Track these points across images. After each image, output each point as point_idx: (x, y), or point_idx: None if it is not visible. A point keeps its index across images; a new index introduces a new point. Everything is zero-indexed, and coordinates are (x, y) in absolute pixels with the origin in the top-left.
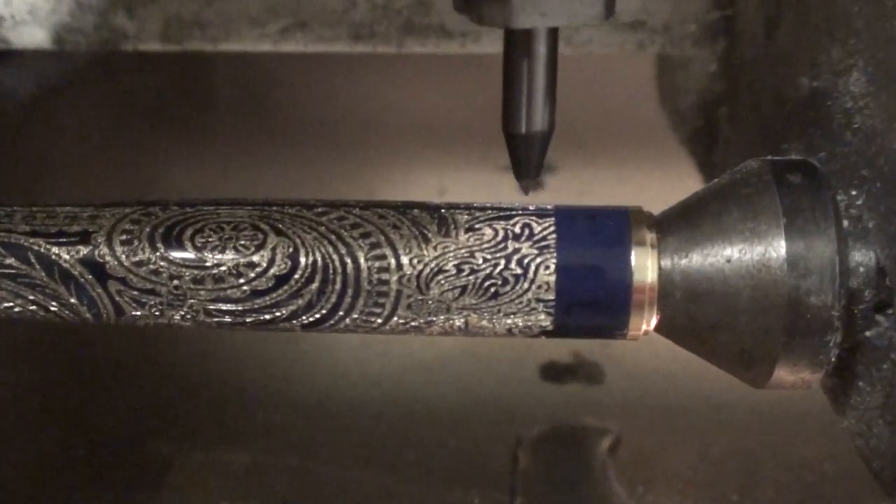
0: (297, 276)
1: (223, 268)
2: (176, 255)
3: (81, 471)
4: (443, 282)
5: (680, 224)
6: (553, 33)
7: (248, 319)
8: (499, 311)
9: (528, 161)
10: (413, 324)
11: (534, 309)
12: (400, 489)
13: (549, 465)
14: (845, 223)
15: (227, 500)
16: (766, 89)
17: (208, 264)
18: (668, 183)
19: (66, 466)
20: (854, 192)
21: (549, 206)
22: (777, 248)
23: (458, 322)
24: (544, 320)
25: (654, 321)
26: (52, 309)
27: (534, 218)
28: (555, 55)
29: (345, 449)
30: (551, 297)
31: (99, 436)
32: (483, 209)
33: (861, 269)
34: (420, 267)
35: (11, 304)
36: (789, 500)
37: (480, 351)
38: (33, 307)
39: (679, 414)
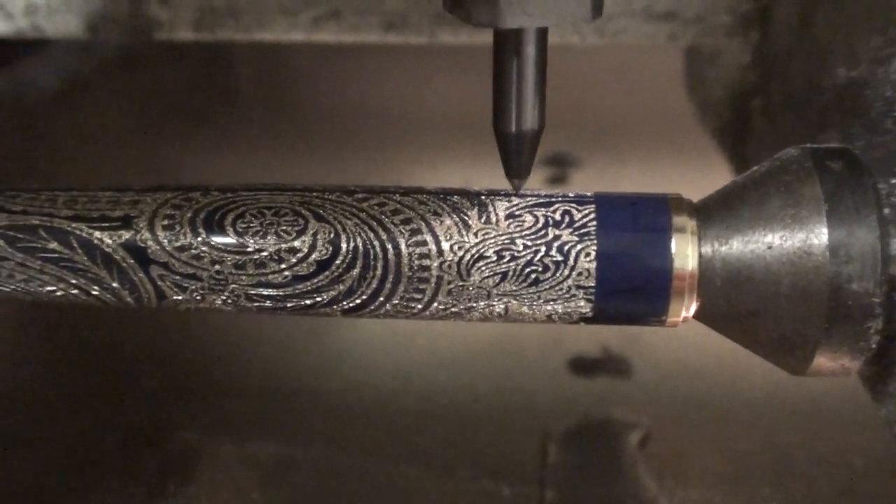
0: (338, 262)
1: (264, 253)
2: (217, 239)
3: (112, 461)
4: (483, 268)
5: (720, 211)
6: (542, 33)
7: (288, 304)
8: (539, 297)
9: (518, 159)
10: (453, 310)
11: (574, 296)
12: (429, 481)
13: (578, 459)
14: (886, 211)
15: (256, 492)
16: (800, 80)
17: (250, 249)
18: (699, 175)
19: (96, 457)
20: (894, 181)
21: (588, 194)
22: (819, 235)
23: (499, 308)
24: (584, 307)
25: (693, 308)
26: (94, 293)
27: (574, 205)
28: (544, 55)
29: (373, 441)
30: (591, 283)
31: (129, 426)
32: (523, 196)
33: None
34: (461, 253)
35: (54, 287)
36: (820, 494)
37: (509, 345)
38: (75, 291)
39: (708, 408)
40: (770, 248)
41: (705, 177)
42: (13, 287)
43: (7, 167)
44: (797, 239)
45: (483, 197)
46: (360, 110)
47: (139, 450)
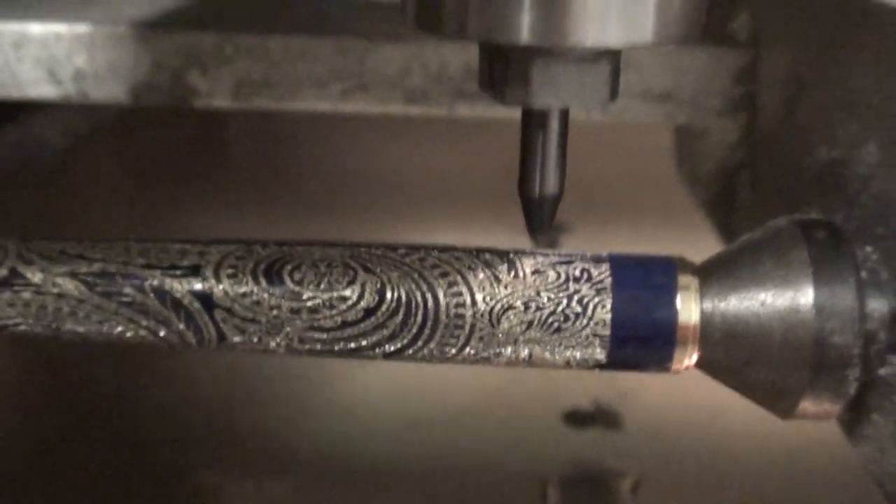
0: (383, 309)
1: (318, 300)
2: (276, 288)
3: (135, 501)
4: (512, 317)
5: (719, 272)
6: (565, 112)
7: (336, 347)
8: (560, 344)
9: (540, 220)
10: (483, 354)
11: (591, 343)
12: None
13: (576, 502)
14: (863, 274)
15: None
16: (785, 158)
17: (304, 297)
18: (686, 244)
19: (120, 496)
20: (869, 248)
21: (604, 254)
22: (806, 294)
23: (524, 354)
24: (599, 353)
25: (695, 357)
26: (161, 335)
27: (591, 263)
28: (566, 130)
29: (383, 483)
30: (607, 332)
31: (152, 466)
32: (546, 255)
33: (876, 314)
34: (492, 303)
35: (124, 328)
36: None
37: (509, 399)
38: (143, 332)
39: (697, 459)
40: (763, 304)
41: (692, 246)
42: (87, 328)
43: (13, 222)
44: (787, 297)
45: (511, 255)
46: (370, 177)
47: (163, 489)
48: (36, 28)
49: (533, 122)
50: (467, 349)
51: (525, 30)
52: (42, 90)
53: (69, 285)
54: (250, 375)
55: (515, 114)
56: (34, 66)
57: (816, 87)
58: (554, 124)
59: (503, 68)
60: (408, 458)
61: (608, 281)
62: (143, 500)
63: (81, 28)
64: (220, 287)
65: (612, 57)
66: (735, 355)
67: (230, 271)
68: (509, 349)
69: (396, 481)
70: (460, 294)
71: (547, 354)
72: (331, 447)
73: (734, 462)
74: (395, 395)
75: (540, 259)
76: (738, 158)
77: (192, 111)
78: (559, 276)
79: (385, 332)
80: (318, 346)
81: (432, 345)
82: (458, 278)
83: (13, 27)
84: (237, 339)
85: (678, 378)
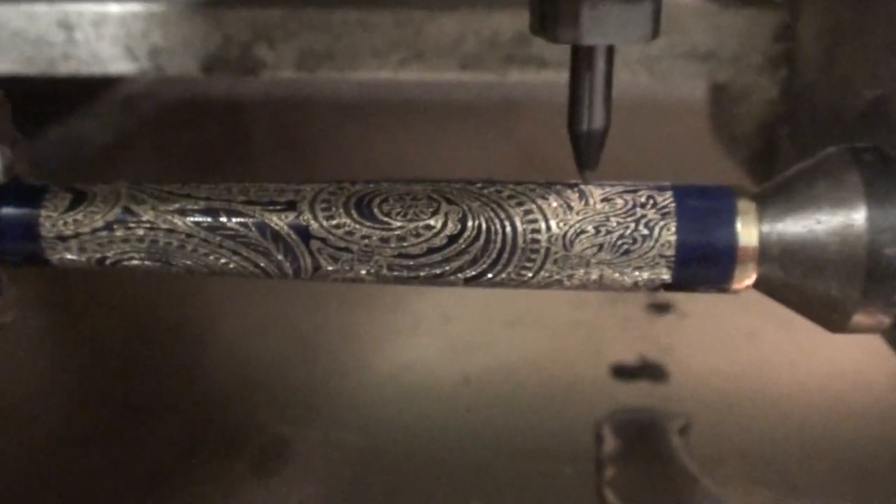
0: (465, 236)
1: (405, 229)
2: (366, 219)
3: (210, 455)
4: (584, 240)
5: (776, 196)
6: (611, 50)
7: (421, 273)
8: (629, 265)
9: (588, 154)
10: (557, 277)
11: (657, 264)
12: (498, 464)
13: (630, 443)
14: None
15: (347, 481)
16: (826, 107)
17: (393, 226)
18: None
19: (195, 449)
20: None
21: (667, 183)
22: (859, 211)
23: (594, 275)
24: (665, 273)
25: (755, 276)
26: (261, 265)
27: (656, 191)
28: (611, 68)
29: (445, 434)
30: (672, 253)
31: (223, 421)
32: (613, 185)
33: None
34: (565, 228)
35: (227, 260)
36: (845, 475)
37: (558, 355)
38: (245, 263)
39: (741, 406)
40: (818, 222)
41: None
42: (194, 261)
43: None
44: (841, 214)
45: (582, 186)
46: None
47: (235, 442)
48: (114, 8)
49: (581, 60)
50: (542, 272)
51: None
52: (120, 66)
53: (177, 221)
54: (310, 338)
55: (560, 77)
56: (113, 44)
57: (857, 34)
58: (601, 62)
59: (554, 9)
60: (464, 409)
61: (672, 206)
62: (219, 454)
63: (156, 7)
64: (316, 219)
65: None
66: (792, 271)
67: (324, 205)
68: (581, 271)
69: (458, 428)
70: (535, 221)
71: (616, 275)
72: (391, 402)
73: (777, 408)
74: (449, 354)
75: (608, 188)
76: (778, 113)
77: (225, 110)
78: (626, 202)
79: (467, 258)
80: (405, 273)
81: (511, 268)
82: (534, 206)
83: (93, 7)
84: (331, 267)
85: (719, 333)
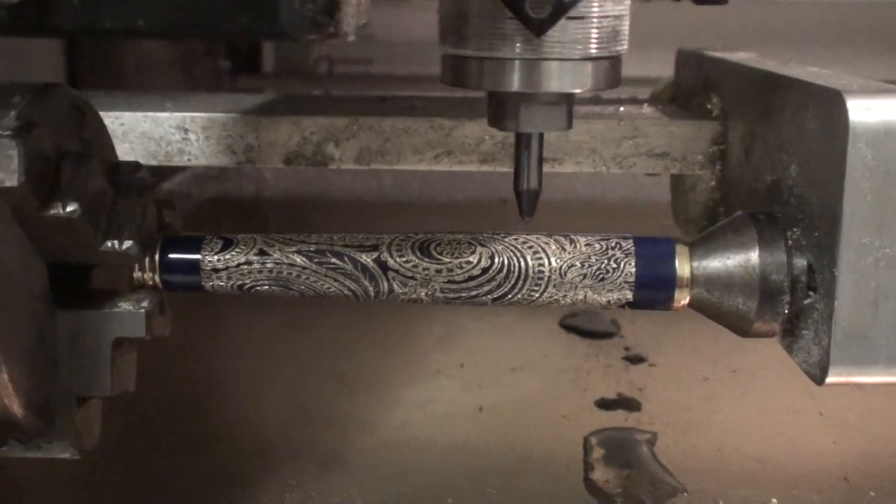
0: (493, 269)
1: (452, 264)
2: (426, 257)
3: (274, 463)
4: (574, 271)
5: (702, 243)
6: (540, 136)
7: (463, 294)
8: (604, 289)
9: (527, 206)
10: (555, 297)
11: (623, 288)
12: (506, 468)
13: (610, 451)
14: (788, 241)
15: (402, 480)
16: (746, 189)
17: (444, 261)
18: None
19: (257, 457)
20: (794, 228)
21: (628, 234)
22: (754, 251)
23: (581, 296)
24: (629, 295)
25: (689, 298)
26: (353, 288)
27: (622, 239)
28: (542, 147)
29: (463, 448)
30: (633, 280)
31: (289, 437)
32: (593, 235)
33: (798, 266)
34: (561, 263)
35: (329, 286)
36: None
37: (553, 392)
38: (341, 287)
39: (696, 429)
40: (729, 259)
41: None
42: (307, 286)
43: None
44: (743, 254)
45: (572, 235)
46: None
47: (297, 451)
48: (220, 116)
49: (521, 142)
50: (545, 294)
51: (515, 83)
52: (222, 160)
53: (296, 258)
54: (350, 378)
55: (559, 169)
56: (216, 144)
57: (762, 138)
58: (534, 144)
59: (502, 109)
60: (478, 442)
61: (633, 249)
62: (287, 461)
63: (251, 116)
64: (391, 257)
65: (568, 98)
66: (713, 293)
67: (397, 247)
68: (572, 293)
69: (469, 448)
70: (541, 258)
71: (595, 296)
72: (420, 425)
73: (723, 430)
74: (465, 391)
75: (589, 237)
76: (716, 199)
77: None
78: (602, 246)
79: (494, 284)
80: (451, 295)
81: (524, 291)
82: (539, 248)
83: (202, 115)
84: (401, 290)
85: (680, 377)
